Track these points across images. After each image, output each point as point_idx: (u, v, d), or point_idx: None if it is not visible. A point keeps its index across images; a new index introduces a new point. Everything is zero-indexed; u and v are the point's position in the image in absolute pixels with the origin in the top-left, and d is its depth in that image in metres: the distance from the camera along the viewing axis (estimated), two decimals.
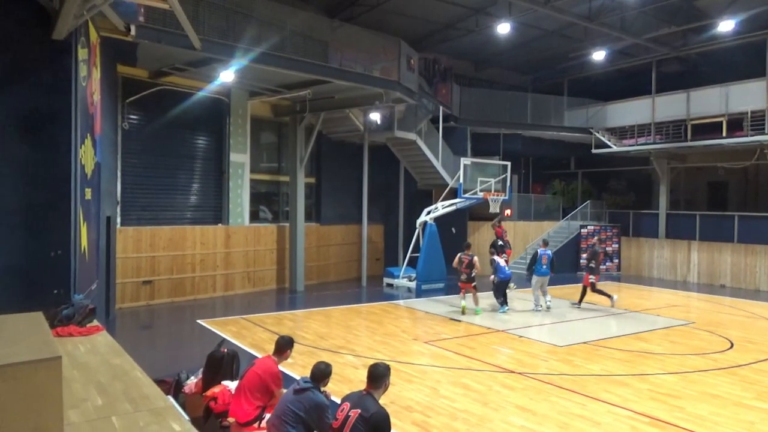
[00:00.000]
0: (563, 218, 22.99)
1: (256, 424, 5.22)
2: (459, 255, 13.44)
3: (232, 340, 10.18)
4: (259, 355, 7.26)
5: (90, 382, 4.33)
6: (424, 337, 11.09)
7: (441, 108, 18.93)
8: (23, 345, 3.00)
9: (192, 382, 6.40)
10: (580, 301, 14.43)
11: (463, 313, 13.25)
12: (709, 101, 18.68)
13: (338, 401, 4.70)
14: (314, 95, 15.33)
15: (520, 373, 8.62)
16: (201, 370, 6.42)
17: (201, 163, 15.50)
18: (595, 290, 14.17)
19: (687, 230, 20.65)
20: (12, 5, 6.58)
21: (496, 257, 14.05)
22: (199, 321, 12.18)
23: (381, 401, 4.49)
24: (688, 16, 17.40)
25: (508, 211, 20.54)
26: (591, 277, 14.18)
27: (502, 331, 11.70)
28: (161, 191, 14.50)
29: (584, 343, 10.64)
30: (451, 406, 7.14)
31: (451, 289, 16.85)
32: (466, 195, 17.28)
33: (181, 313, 13.36)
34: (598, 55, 20.08)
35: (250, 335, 10.86)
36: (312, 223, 18.49)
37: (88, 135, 7.99)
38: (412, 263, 17.53)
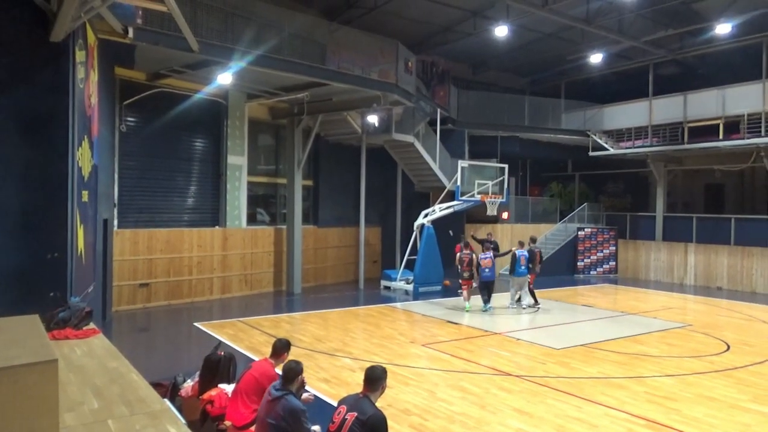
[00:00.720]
0: (560, 221, 23.02)
1: (252, 428, 5.21)
2: (459, 254, 14.20)
3: (229, 343, 10.16)
4: (256, 358, 7.25)
5: (86, 385, 4.32)
6: (421, 339, 11.09)
7: (439, 110, 18.96)
8: (19, 348, 2.99)
9: (188, 386, 6.39)
10: (534, 300, 14.58)
11: (467, 311, 13.86)
12: (706, 104, 18.74)
13: (334, 403, 4.69)
14: (312, 98, 15.34)
15: (517, 376, 8.62)
16: (198, 373, 6.40)
17: (198, 165, 15.49)
18: (529, 289, 14.43)
19: (684, 233, 20.69)
20: (10, 7, 6.58)
21: (479, 256, 14.20)
22: (196, 324, 12.15)
23: (378, 404, 4.49)
24: (686, 18, 17.48)
25: (505, 214, 20.59)
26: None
27: (499, 333, 11.70)
28: (158, 194, 14.48)
29: (581, 345, 10.65)
30: (448, 409, 7.14)
31: (448, 292, 16.89)
32: (464, 197, 17.30)
33: (178, 316, 13.33)
34: (596, 58, 20.16)
35: (247, 338, 10.85)
36: (309, 225, 18.48)
37: (86, 137, 7.98)
38: (410, 266, 17.53)
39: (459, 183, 17.14)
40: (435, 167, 18.82)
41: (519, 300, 14.52)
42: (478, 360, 9.55)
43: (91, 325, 6.24)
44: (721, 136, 18.25)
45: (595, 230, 22.36)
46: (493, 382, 8.29)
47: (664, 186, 21.75)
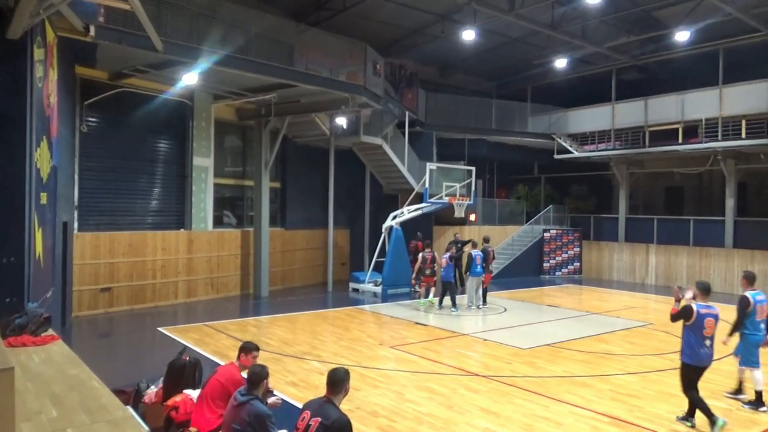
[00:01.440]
0: (527, 222, 23.37)
1: None
2: (422, 254, 14.79)
3: (195, 348, 9.98)
4: (222, 363, 7.14)
5: (44, 394, 4.19)
6: (389, 341, 11.10)
7: (407, 113, 19.05)
8: None
9: (152, 392, 6.26)
10: (484, 300, 14.83)
11: (432, 305, 14.47)
12: (666, 109, 19.30)
13: (297, 405, 4.65)
14: (279, 99, 15.23)
15: (484, 376, 8.70)
16: (162, 379, 6.28)
17: (163, 167, 15.20)
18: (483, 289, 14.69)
19: (645, 234, 21.26)
20: None
21: (443, 255, 14.47)
22: (160, 328, 11.92)
23: (346, 406, 4.47)
24: (647, 25, 17.97)
25: (472, 216, 20.79)
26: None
27: (467, 334, 11.80)
28: (121, 196, 14.16)
29: (547, 345, 10.82)
30: (416, 410, 7.16)
31: (417, 294, 16.93)
32: (432, 199, 17.40)
33: (141, 321, 13.05)
34: (561, 63, 20.57)
35: (213, 342, 10.69)
36: (277, 227, 18.33)
37: (44, 138, 7.75)
38: (378, 268, 17.55)
39: (427, 185, 17.24)
40: (403, 169, 18.89)
41: (484, 301, 14.70)
42: (445, 361, 9.61)
43: (50, 332, 6.05)
44: (680, 140, 18.81)
45: (561, 232, 22.77)
46: (460, 383, 8.35)
47: (626, 188, 22.30)
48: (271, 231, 17.31)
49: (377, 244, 18.04)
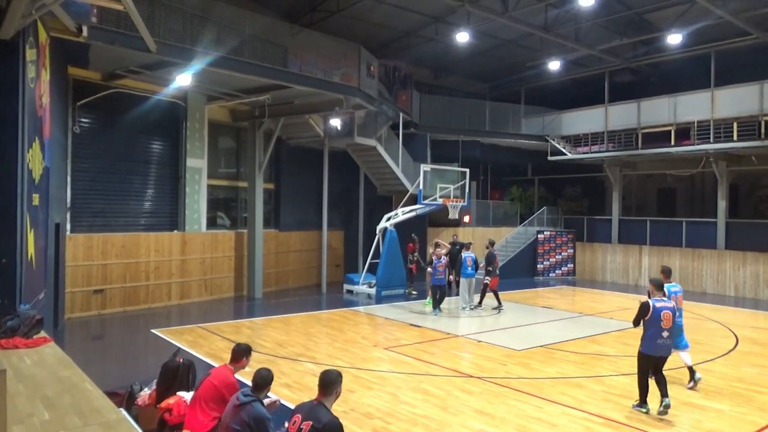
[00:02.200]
0: (520, 224, 23.42)
1: None
2: (430, 253, 14.98)
3: (188, 350, 9.94)
4: (217, 365, 7.12)
5: (36, 396, 4.16)
6: (384, 343, 11.09)
7: (401, 114, 19.06)
8: None
9: (145, 394, 6.23)
10: (480, 302, 14.91)
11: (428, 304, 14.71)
12: (658, 111, 19.41)
13: (291, 406, 4.63)
14: (273, 100, 15.21)
15: (478, 378, 8.71)
16: (155, 381, 6.26)
17: (156, 168, 15.14)
18: (493, 291, 14.68)
19: (638, 235, 21.35)
20: None
21: (434, 259, 14.44)
22: (153, 330, 11.87)
23: (340, 408, 4.46)
24: (639, 28, 18.06)
25: (466, 218, 20.81)
26: (487, 278, 14.67)
27: (461, 336, 11.81)
28: (114, 197, 14.08)
29: (541, 346, 10.84)
30: (411, 411, 7.15)
31: (411, 295, 16.97)
32: (426, 201, 17.40)
33: (134, 323, 12.98)
34: (554, 65, 20.65)
35: (207, 344, 10.65)
36: (271, 229, 18.29)
37: (37, 139, 7.70)
38: (372, 269, 17.53)
39: (421, 187, 17.23)
40: (397, 171, 18.89)
41: (480, 302, 14.77)
42: (440, 362, 9.61)
43: (42, 334, 6.02)
44: (672, 142, 18.92)
45: (554, 233, 22.83)
46: (454, 384, 8.35)
47: (619, 190, 22.39)
48: (265, 232, 17.28)
49: (371, 246, 18.03)
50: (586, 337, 11.73)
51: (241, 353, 5.50)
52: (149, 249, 14.53)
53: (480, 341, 11.28)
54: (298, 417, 4.26)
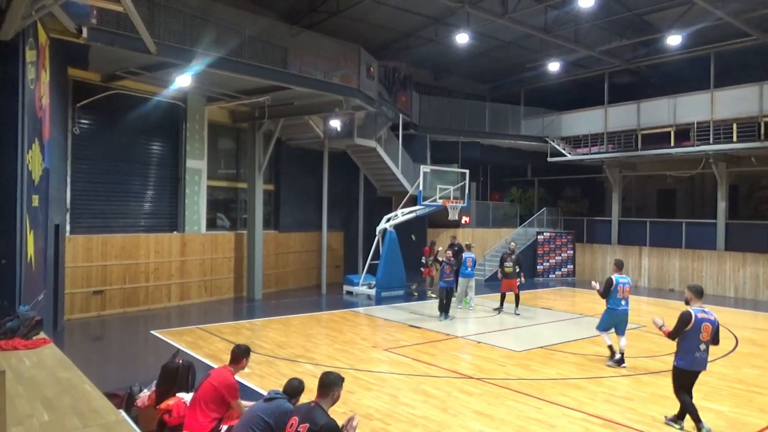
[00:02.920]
0: (520, 225, 23.42)
1: None
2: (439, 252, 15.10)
3: (188, 351, 9.94)
4: (216, 366, 7.11)
5: (36, 398, 4.15)
6: (383, 344, 11.09)
7: (401, 116, 19.06)
8: None
9: (145, 395, 6.23)
10: (501, 305, 14.60)
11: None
12: (658, 112, 19.41)
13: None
14: (273, 101, 15.21)
15: (478, 379, 8.70)
16: (155, 382, 6.25)
17: (156, 169, 15.14)
18: (503, 294, 14.57)
19: (638, 236, 21.35)
20: None
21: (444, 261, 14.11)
22: (153, 332, 11.86)
23: (340, 409, 4.47)
24: (639, 29, 18.07)
25: (466, 219, 20.81)
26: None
27: (461, 337, 11.81)
28: (114, 198, 14.08)
29: (541, 347, 10.84)
30: (410, 413, 7.15)
31: (410, 296, 16.98)
32: (426, 202, 17.41)
33: (134, 324, 12.98)
34: (554, 66, 20.66)
35: (206, 345, 10.64)
36: (270, 230, 18.29)
37: (36, 140, 7.70)
38: (372, 271, 17.52)
39: (421, 188, 17.25)
40: (397, 172, 18.89)
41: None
42: (439, 363, 9.60)
43: (41, 335, 6.02)
44: (672, 143, 18.92)
45: (554, 234, 22.83)
46: (454, 385, 8.35)
47: (619, 191, 22.39)
48: (264, 233, 17.28)
49: (371, 247, 18.03)
50: (585, 339, 11.72)
51: (240, 354, 5.50)
52: (149, 250, 14.53)
53: (480, 342, 11.27)
54: (295, 419, 4.27)
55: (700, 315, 6.62)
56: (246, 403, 5.32)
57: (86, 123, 13.53)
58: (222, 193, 17.29)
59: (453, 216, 18.07)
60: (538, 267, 22.47)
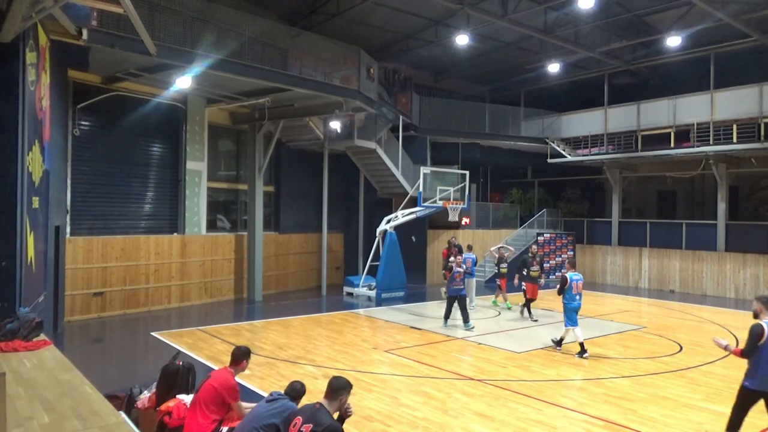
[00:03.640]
0: (520, 226, 23.41)
1: None
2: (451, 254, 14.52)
3: (188, 353, 9.94)
4: (217, 368, 7.11)
5: (36, 399, 4.15)
6: (384, 345, 11.08)
7: (401, 117, 19.06)
8: None
9: (145, 397, 6.22)
10: (529, 311, 13.91)
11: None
12: (658, 113, 19.41)
13: None
14: (273, 103, 15.21)
15: (479, 380, 8.69)
16: (155, 384, 6.24)
17: (156, 171, 15.14)
18: (529, 300, 13.90)
19: (638, 237, 21.34)
20: None
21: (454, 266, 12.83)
22: (153, 333, 11.85)
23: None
24: (639, 30, 18.09)
25: (466, 220, 20.80)
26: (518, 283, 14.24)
27: (461, 338, 11.80)
28: (114, 200, 14.08)
29: (541, 349, 10.83)
30: (411, 414, 7.14)
31: (411, 298, 16.97)
32: (426, 203, 17.41)
33: (134, 326, 12.97)
34: (553, 68, 20.67)
35: (206, 347, 10.63)
36: (271, 231, 18.28)
37: (36, 141, 7.70)
38: (372, 272, 17.51)
39: (421, 189, 17.25)
40: (397, 173, 18.90)
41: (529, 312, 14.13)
42: (440, 365, 9.59)
43: (42, 337, 6.01)
44: (672, 145, 18.91)
45: (554, 235, 22.81)
46: (455, 387, 8.34)
47: (619, 192, 22.39)
48: (264, 235, 17.28)
49: (371, 248, 18.02)
50: (586, 340, 11.68)
51: (241, 356, 5.49)
52: (149, 252, 14.53)
53: (480, 344, 11.26)
54: (299, 419, 4.27)
55: None
56: (246, 405, 5.31)
57: (86, 125, 13.53)
58: (222, 195, 17.29)
59: (453, 217, 18.06)
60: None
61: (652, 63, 20.44)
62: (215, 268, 16.27)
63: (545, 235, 22.67)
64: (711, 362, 10.01)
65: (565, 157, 21.92)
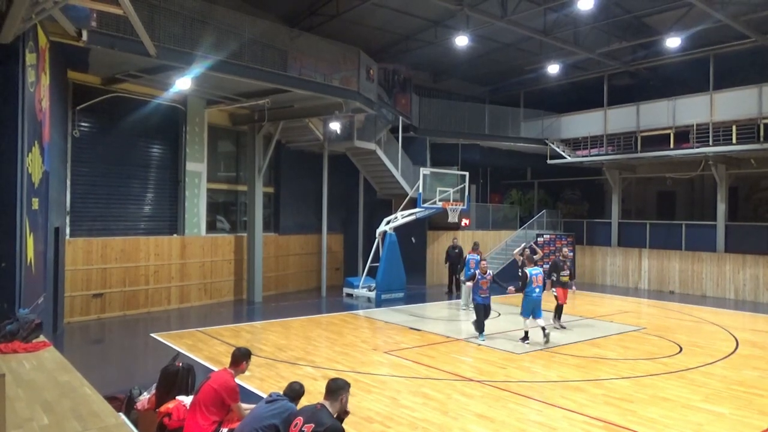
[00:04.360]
0: (520, 227, 23.41)
1: None
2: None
3: (188, 354, 9.94)
4: (216, 369, 7.11)
5: (35, 401, 4.15)
6: (383, 347, 11.08)
7: (400, 118, 19.07)
8: None
9: (145, 398, 6.22)
10: (558, 317, 13.10)
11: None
12: (657, 114, 19.42)
13: None
14: (273, 104, 15.21)
15: (478, 381, 8.69)
16: (154, 385, 6.24)
17: (156, 172, 15.14)
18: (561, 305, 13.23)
19: (638, 238, 21.35)
20: None
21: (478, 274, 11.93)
22: (152, 334, 11.84)
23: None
24: (638, 31, 18.10)
25: (466, 221, 20.81)
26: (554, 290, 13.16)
27: (461, 339, 11.79)
28: (113, 201, 14.07)
29: (541, 350, 10.83)
30: (410, 415, 7.14)
31: (410, 299, 16.97)
32: (426, 204, 17.42)
33: (133, 327, 12.96)
34: (553, 69, 20.69)
35: (206, 348, 10.63)
36: (270, 233, 18.28)
37: (36, 143, 7.70)
38: (372, 273, 17.51)
39: (421, 190, 17.25)
40: (397, 174, 18.90)
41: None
42: (440, 366, 9.59)
43: (41, 338, 6.00)
44: (671, 146, 18.92)
45: (554, 236, 22.81)
46: (454, 388, 8.34)
47: (618, 193, 22.39)
48: (264, 236, 17.28)
49: (371, 249, 18.02)
50: (586, 341, 11.72)
51: (240, 357, 5.50)
52: (149, 253, 14.53)
53: (480, 345, 11.26)
54: (300, 419, 4.28)
55: None
56: (246, 406, 5.31)
57: (86, 126, 13.53)
58: (222, 196, 17.28)
59: (453, 218, 18.08)
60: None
61: (651, 64, 20.45)
62: (215, 270, 16.26)
63: (545, 236, 22.67)
64: (710, 363, 10.01)
65: (565, 158, 21.92)
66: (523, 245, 15.53)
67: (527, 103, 24.00)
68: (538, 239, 22.42)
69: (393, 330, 12.81)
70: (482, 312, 11.68)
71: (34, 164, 7.52)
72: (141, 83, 13.66)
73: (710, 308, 16.48)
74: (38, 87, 7.90)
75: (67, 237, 12.88)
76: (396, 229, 17.41)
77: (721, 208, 19.08)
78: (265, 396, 5.51)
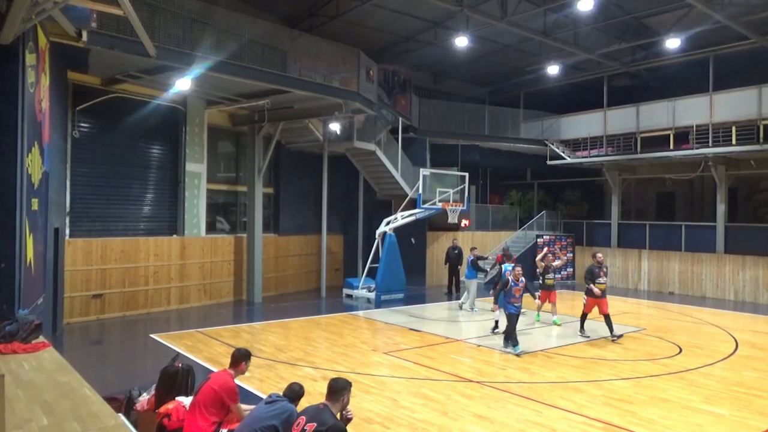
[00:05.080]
0: (520, 228, 23.42)
1: None
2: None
3: (187, 355, 9.93)
4: (216, 370, 7.10)
5: (35, 401, 4.15)
6: (383, 347, 11.07)
7: (400, 119, 19.08)
8: None
9: (144, 399, 6.21)
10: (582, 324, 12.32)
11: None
12: (657, 115, 19.43)
13: None
14: (273, 105, 15.22)
15: (478, 382, 8.69)
16: (154, 386, 6.24)
17: (155, 172, 15.13)
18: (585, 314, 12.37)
19: (637, 239, 21.35)
20: None
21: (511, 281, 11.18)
22: (152, 335, 11.84)
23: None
24: (638, 32, 18.11)
25: (465, 222, 20.81)
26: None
27: (461, 340, 11.79)
28: (113, 202, 14.07)
29: (541, 351, 10.83)
30: (410, 416, 7.14)
31: (410, 300, 16.97)
32: (426, 205, 17.42)
33: (133, 328, 12.96)
34: (553, 69, 20.70)
35: (206, 349, 10.62)
36: (270, 233, 18.28)
37: (36, 143, 7.70)
38: (372, 274, 17.51)
39: (420, 191, 17.26)
40: (397, 175, 18.91)
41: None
42: (439, 367, 9.59)
43: (41, 339, 6.00)
44: (671, 146, 18.93)
45: (554, 237, 22.82)
46: (454, 389, 8.33)
47: (618, 194, 22.40)
48: (264, 237, 17.28)
49: (371, 250, 18.02)
50: (585, 342, 11.71)
51: (240, 358, 5.49)
52: (148, 253, 14.52)
53: (479, 345, 11.26)
54: (302, 419, 4.30)
55: None
56: (246, 407, 5.31)
57: (86, 126, 13.53)
58: (221, 197, 17.28)
59: (452, 219, 18.09)
60: (537, 270, 22.41)
61: (651, 65, 20.46)
62: (215, 270, 16.26)
63: (545, 236, 22.68)
64: (710, 364, 10.01)
65: (565, 158, 21.93)
66: (545, 250, 15.14)
67: (527, 103, 24.01)
68: (538, 240, 22.43)
69: (393, 331, 12.81)
70: (515, 322, 10.67)
71: (33, 165, 7.52)
72: (141, 84, 13.66)
73: (710, 309, 16.48)
74: (38, 87, 7.90)
75: (67, 237, 12.88)
76: (396, 229, 17.41)
77: (721, 209, 19.09)
78: (264, 397, 5.51)
